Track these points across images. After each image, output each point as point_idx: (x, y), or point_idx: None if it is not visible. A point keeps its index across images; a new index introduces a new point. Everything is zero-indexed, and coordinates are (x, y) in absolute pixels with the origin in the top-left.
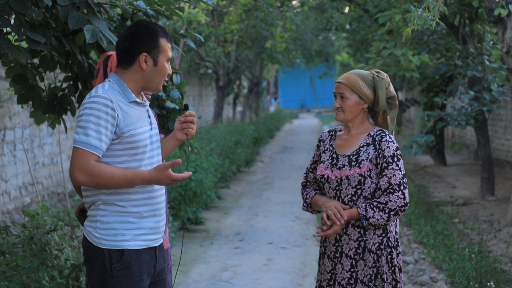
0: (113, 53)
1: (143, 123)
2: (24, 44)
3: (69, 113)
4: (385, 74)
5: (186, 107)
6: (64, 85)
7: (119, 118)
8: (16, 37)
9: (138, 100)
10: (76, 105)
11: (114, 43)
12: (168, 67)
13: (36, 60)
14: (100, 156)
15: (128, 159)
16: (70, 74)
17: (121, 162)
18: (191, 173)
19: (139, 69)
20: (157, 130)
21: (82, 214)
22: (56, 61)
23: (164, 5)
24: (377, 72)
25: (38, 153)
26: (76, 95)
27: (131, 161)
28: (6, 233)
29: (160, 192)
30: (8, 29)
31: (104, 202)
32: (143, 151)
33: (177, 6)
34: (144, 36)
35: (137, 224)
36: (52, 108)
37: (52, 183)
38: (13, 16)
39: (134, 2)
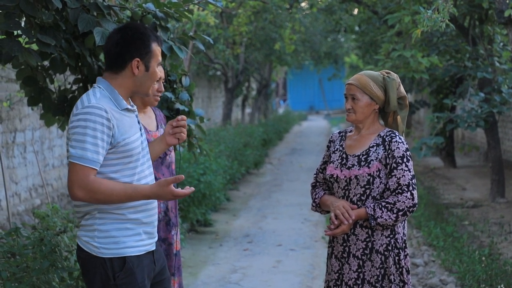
0: None
1: (135, 130)
2: (34, 46)
3: None
4: (395, 75)
5: (178, 112)
6: (74, 87)
7: (114, 128)
8: (27, 39)
9: (129, 107)
10: None
11: None
12: (159, 71)
13: (46, 63)
14: (98, 169)
15: (123, 167)
16: (80, 76)
17: (115, 171)
18: (193, 189)
19: (130, 74)
20: (145, 136)
21: None
22: (66, 63)
23: (173, 7)
24: (387, 72)
25: (48, 155)
26: None
27: (126, 169)
28: (16, 234)
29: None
30: (19, 31)
31: (101, 211)
32: (137, 158)
33: (186, 8)
34: (137, 41)
35: (135, 230)
36: (62, 110)
37: (62, 185)
38: (24, 19)
39: (144, 5)
